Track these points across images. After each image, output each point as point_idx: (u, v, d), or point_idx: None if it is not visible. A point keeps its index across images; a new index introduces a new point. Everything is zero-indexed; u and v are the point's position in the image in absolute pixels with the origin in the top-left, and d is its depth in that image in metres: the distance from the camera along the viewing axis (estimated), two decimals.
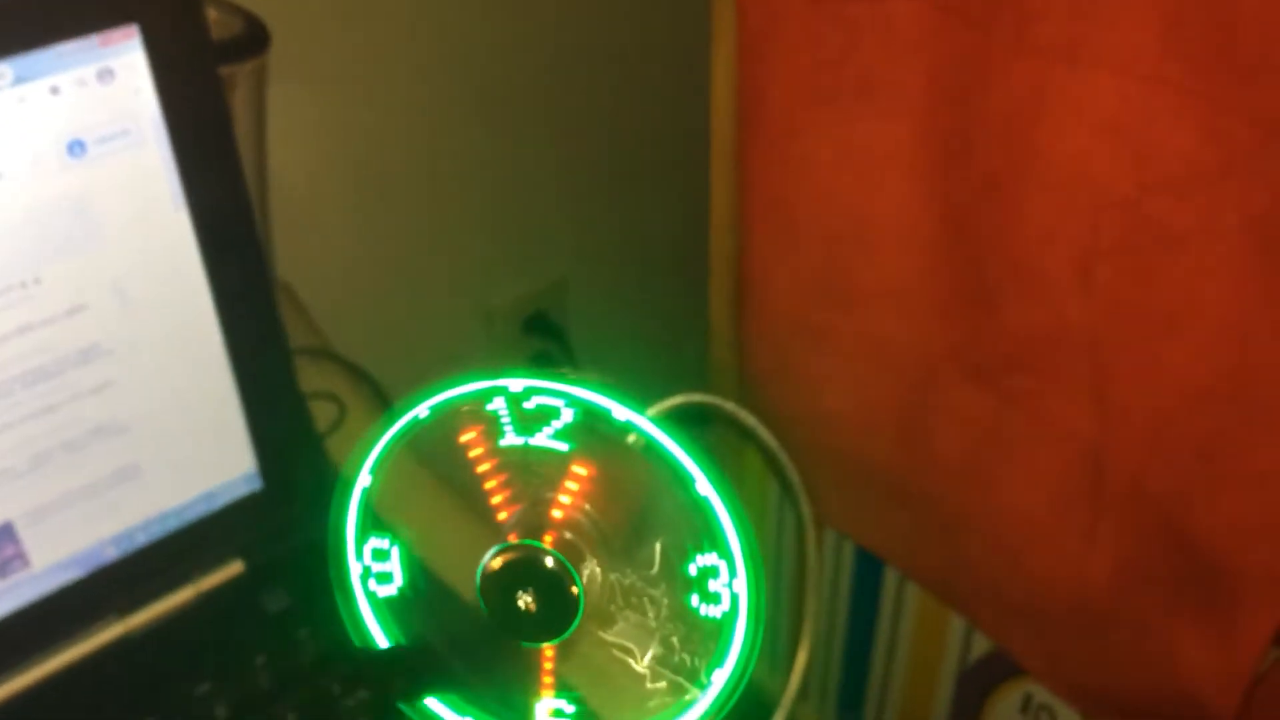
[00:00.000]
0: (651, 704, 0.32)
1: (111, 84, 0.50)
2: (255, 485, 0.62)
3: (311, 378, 0.77)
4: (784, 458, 0.35)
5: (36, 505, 0.55)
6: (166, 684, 0.57)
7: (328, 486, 0.69)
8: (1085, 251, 0.60)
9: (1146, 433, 0.62)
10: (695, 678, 0.32)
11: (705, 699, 0.32)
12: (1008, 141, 0.60)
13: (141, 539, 0.59)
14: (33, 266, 0.51)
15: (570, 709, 0.33)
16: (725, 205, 0.78)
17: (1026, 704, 0.80)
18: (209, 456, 0.60)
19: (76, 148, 0.50)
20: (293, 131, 0.85)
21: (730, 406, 0.34)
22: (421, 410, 0.32)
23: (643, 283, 1.16)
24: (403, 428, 0.32)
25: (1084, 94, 0.56)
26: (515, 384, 0.31)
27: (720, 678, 0.31)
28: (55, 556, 0.56)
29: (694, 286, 0.91)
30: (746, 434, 0.35)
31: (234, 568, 0.62)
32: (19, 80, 0.48)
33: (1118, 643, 0.69)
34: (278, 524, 0.63)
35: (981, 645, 0.83)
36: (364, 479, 0.32)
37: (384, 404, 0.85)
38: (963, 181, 0.63)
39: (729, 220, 0.78)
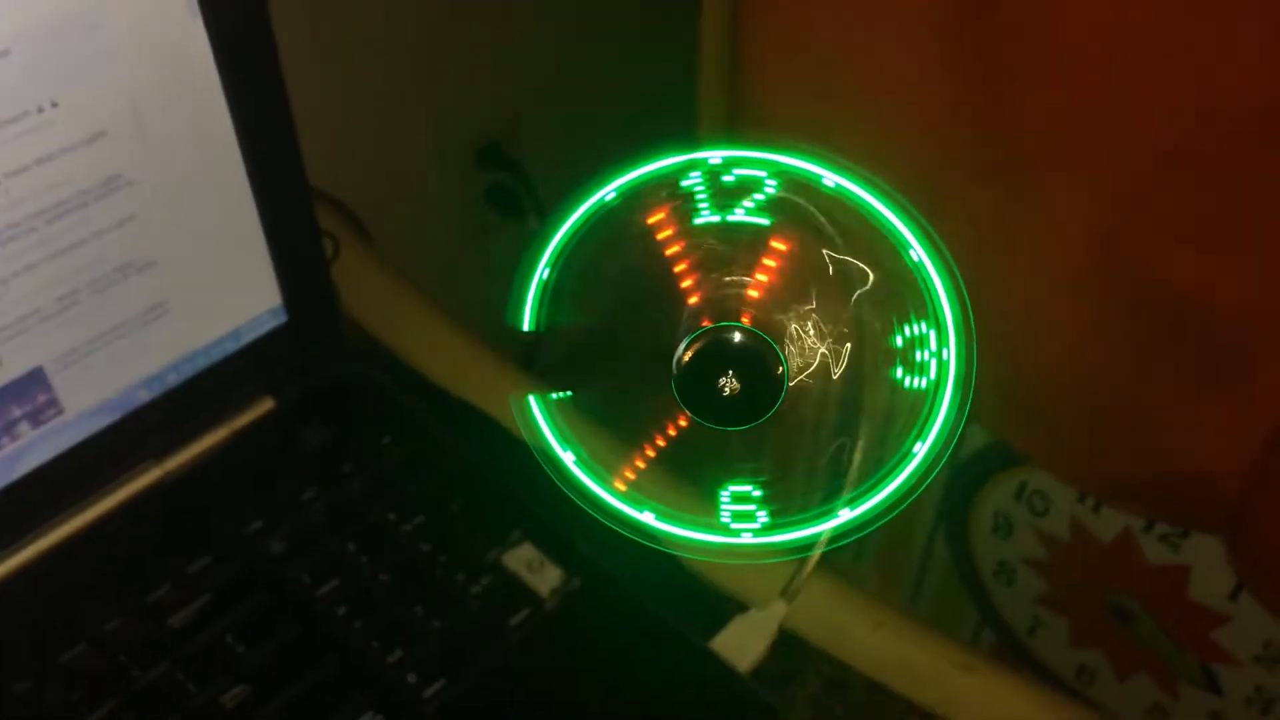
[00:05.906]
0: (846, 481, 0.32)
1: None
2: (280, 319, 0.59)
3: None
4: None
5: (67, 349, 0.52)
6: (214, 525, 0.56)
7: (341, 322, 0.68)
8: (1112, 40, 0.60)
9: (1164, 218, 0.63)
10: (894, 452, 0.32)
11: (905, 471, 0.32)
12: None
13: (172, 379, 0.56)
14: (48, 89, 0.47)
15: (756, 493, 0.33)
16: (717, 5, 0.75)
17: (1021, 491, 0.83)
18: (235, 290, 0.57)
19: None
20: None
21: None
22: (608, 193, 0.30)
23: (606, 107, 1.12)
24: (587, 212, 0.30)
25: None
26: (714, 156, 0.30)
27: (921, 450, 0.31)
28: (88, 402, 0.54)
29: (670, 106, 0.88)
30: None
31: (265, 405, 0.60)
32: None
33: (1125, 428, 0.72)
34: (303, 359, 0.61)
35: (975, 440, 0.85)
36: (542, 272, 0.30)
37: (367, 238, 0.82)
38: None
39: (722, 27, 0.76)
